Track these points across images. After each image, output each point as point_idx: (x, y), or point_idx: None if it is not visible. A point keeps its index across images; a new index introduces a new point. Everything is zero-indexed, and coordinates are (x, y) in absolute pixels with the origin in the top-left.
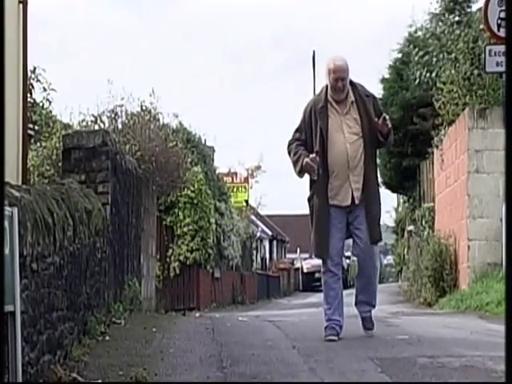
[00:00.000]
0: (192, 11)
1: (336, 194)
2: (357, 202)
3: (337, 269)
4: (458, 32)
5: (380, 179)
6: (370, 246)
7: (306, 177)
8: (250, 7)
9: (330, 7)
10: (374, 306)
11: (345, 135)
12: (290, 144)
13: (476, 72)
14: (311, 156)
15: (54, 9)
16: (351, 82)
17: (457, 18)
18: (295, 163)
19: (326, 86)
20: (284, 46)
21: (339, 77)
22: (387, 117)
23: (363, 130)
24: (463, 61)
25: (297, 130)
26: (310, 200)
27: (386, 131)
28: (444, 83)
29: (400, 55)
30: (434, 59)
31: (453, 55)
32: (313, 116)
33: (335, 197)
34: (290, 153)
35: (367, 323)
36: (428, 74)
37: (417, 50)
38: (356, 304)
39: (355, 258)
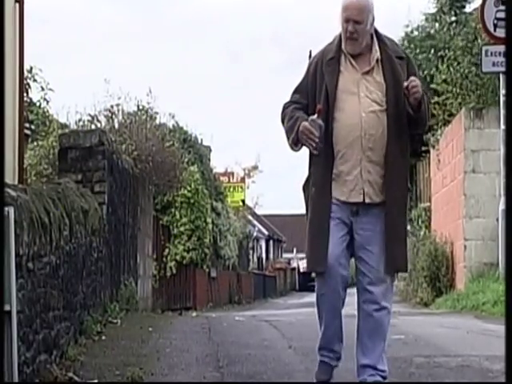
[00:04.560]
0: (190, 11)
1: (341, 184)
2: (367, 200)
3: (336, 282)
4: (453, 33)
5: None
6: (384, 277)
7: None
8: (249, 7)
9: (330, 7)
10: (382, 372)
11: (360, 100)
12: (285, 108)
13: (474, 71)
14: (311, 118)
15: (51, 7)
16: (378, 36)
17: (453, 18)
18: (289, 130)
19: (340, 34)
20: (282, 46)
21: (350, 17)
22: (417, 79)
23: (388, 100)
24: (458, 60)
25: (296, 91)
26: (305, 188)
27: (416, 97)
28: (440, 83)
29: None
30: (427, 60)
31: (449, 54)
32: (318, 71)
33: (340, 187)
34: (283, 119)
35: None
36: (423, 74)
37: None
38: (357, 369)
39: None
